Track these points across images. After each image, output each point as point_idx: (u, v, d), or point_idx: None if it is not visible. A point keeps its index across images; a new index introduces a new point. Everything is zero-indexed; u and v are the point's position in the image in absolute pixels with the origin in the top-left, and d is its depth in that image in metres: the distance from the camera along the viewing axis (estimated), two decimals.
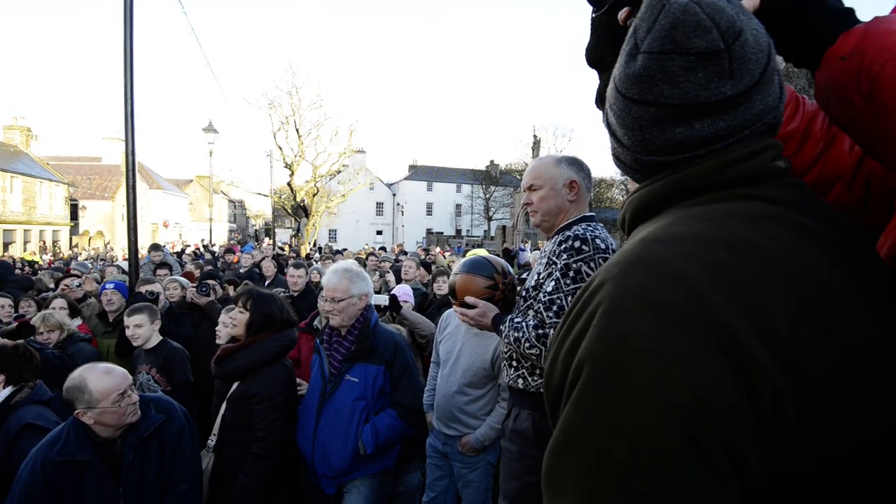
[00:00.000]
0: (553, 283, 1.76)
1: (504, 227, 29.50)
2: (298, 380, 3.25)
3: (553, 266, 1.80)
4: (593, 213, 1.95)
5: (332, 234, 46.18)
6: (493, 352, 2.63)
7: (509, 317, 1.88)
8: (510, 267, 2.15)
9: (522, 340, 1.74)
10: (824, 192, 0.87)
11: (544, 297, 1.77)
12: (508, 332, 1.81)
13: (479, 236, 41.34)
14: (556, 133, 46.23)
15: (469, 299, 1.95)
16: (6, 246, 26.65)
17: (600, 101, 1.14)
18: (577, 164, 1.92)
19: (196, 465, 2.26)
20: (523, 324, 1.78)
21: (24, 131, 32.27)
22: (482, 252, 6.62)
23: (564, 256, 1.75)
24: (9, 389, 2.29)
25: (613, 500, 0.50)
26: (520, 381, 1.86)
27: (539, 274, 1.86)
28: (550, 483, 0.57)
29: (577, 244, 1.74)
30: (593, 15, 0.96)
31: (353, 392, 2.40)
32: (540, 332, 1.72)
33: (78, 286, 4.77)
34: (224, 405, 2.46)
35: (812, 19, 0.76)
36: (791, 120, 0.93)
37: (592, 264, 1.72)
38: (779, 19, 0.76)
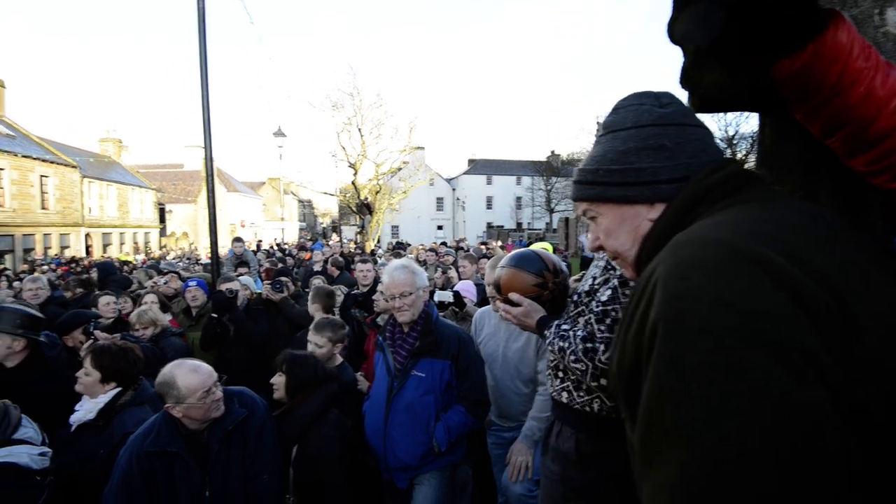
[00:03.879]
0: (609, 291, 1.58)
1: (567, 220, 28.76)
2: (360, 377, 3.33)
3: (611, 272, 1.61)
4: None
5: (395, 231, 47.07)
6: (536, 349, 2.59)
7: (556, 322, 1.71)
8: (564, 265, 1.92)
9: (568, 352, 1.59)
10: None
11: (597, 306, 1.59)
12: (554, 339, 1.65)
13: (540, 229, 40.61)
14: None
15: (514, 296, 1.80)
16: (104, 247, 29.41)
17: (685, 80, 1.07)
18: None
19: (277, 457, 2.32)
20: (571, 333, 1.62)
21: (116, 143, 35.51)
22: (546, 245, 6.46)
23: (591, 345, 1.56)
24: (116, 391, 2.44)
25: (719, 426, 0.53)
26: (563, 394, 1.69)
27: (595, 278, 1.67)
28: (651, 448, 0.60)
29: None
30: None
31: (421, 387, 2.42)
32: (588, 345, 1.55)
33: (165, 283, 5.15)
34: (291, 468, 2.45)
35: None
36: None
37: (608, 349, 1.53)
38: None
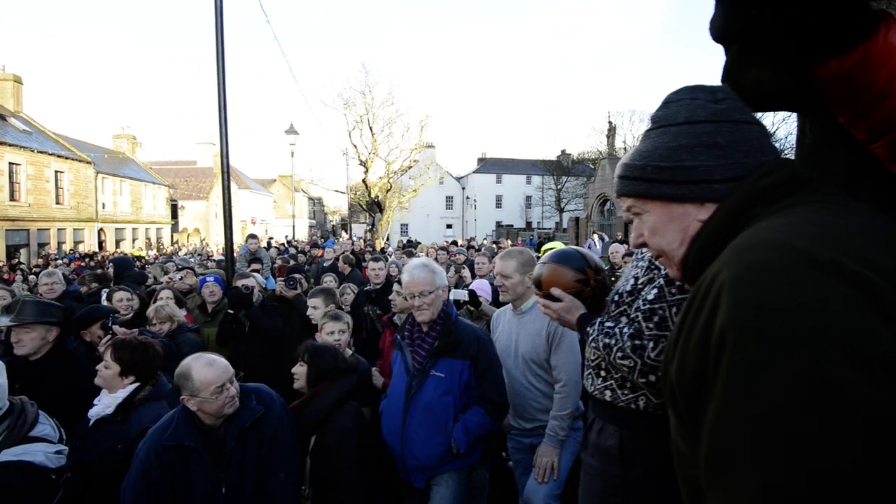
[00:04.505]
0: (655, 290, 1.57)
1: (577, 219, 28.65)
2: (375, 372, 3.35)
3: (656, 272, 1.60)
4: None
5: (404, 229, 47.14)
6: (547, 334, 2.58)
7: (599, 319, 1.70)
8: (602, 264, 1.94)
9: (614, 349, 1.58)
10: None
11: (644, 304, 1.58)
12: (598, 336, 1.65)
13: (550, 228, 40.50)
14: (632, 118, 43.72)
15: (555, 291, 1.79)
16: (117, 243, 29.75)
17: (727, 77, 1.05)
18: None
19: (293, 454, 2.32)
20: (616, 330, 1.61)
21: (130, 140, 35.90)
22: (558, 244, 6.42)
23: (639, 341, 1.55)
24: (134, 386, 2.45)
25: (813, 449, 0.51)
26: (607, 392, 1.68)
27: (637, 279, 1.66)
28: (725, 462, 0.58)
29: None
30: None
31: (440, 387, 2.40)
32: (637, 342, 1.54)
33: (180, 279, 5.18)
34: (308, 460, 2.47)
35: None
36: None
37: (660, 347, 1.50)
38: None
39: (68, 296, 4.96)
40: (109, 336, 3.22)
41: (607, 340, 1.60)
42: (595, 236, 18.74)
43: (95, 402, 2.43)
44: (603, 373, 1.70)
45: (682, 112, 0.90)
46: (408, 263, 2.68)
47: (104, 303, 4.37)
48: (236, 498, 2.11)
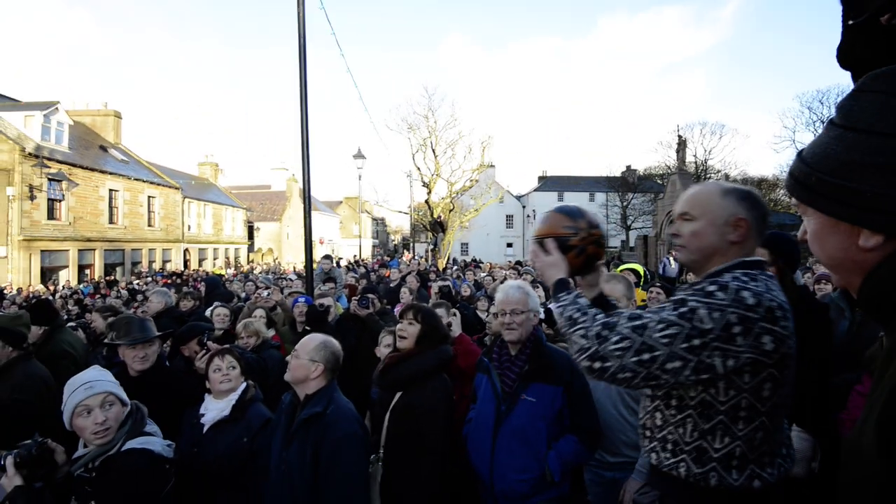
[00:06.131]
0: (659, 308, 1.41)
1: (646, 237, 27.52)
2: None
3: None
4: (761, 259, 1.49)
5: (464, 248, 47.33)
6: None
7: (577, 291, 1.57)
8: (603, 226, 1.77)
9: (579, 323, 1.43)
10: None
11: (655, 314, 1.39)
12: (567, 306, 1.49)
13: (616, 247, 39.14)
14: (703, 131, 41.81)
15: (549, 243, 1.66)
16: (200, 262, 31.94)
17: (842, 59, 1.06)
18: (749, 200, 1.48)
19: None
20: (591, 311, 1.46)
21: (213, 167, 38.84)
22: (637, 266, 6.18)
23: (688, 292, 1.39)
24: (243, 386, 2.67)
25: None
26: (652, 456, 1.53)
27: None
28: None
29: (710, 288, 1.34)
30: (850, 22, 0.94)
31: (533, 412, 2.33)
32: (604, 332, 1.37)
33: (268, 295, 5.45)
34: (388, 416, 2.54)
35: None
36: None
37: (717, 314, 1.28)
38: None
39: (168, 314, 5.32)
40: (205, 351, 3.44)
41: (575, 315, 1.47)
42: (666, 257, 17.70)
43: (202, 410, 2.60)
44: (648, 432, 1.56)
45: (867, 112, 0.76)
46: (503, 284, 2.70)
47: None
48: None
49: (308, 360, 2.38)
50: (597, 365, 1.39)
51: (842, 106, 0.81)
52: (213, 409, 2.58)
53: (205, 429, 2.53)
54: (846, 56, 0.98)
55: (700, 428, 1.39)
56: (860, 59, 0.97)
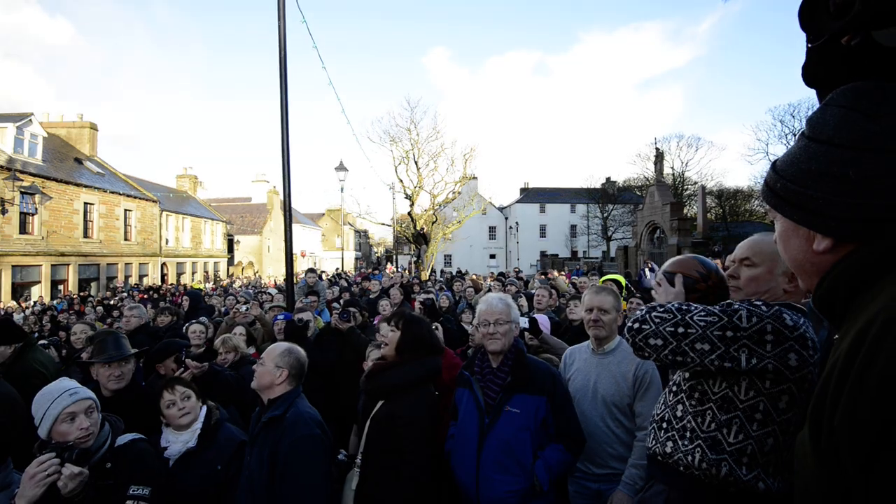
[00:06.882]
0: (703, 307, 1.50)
1: (626, 248, 27.90)
2: None
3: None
4: (804, 308, 1.59)
5: (447, 260, 47.35)
6: (634, 378, 2.51)
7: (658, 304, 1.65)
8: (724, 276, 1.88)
9: (640, 317, 1.55)
10: None
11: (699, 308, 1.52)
12: (645, 314, 1.56)
13: (597, 258, 39.58)
14: (680, 143, 42.66)
15: (678, 279, 1.77)
16: (178, 276, 31.33)
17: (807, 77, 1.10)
18: None
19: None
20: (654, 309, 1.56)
21: (192, 179, 38.26)
22: (619, 278, 6.24)
23: (737, 302, 1.48)
24: (203, 412, 2.53)
25: None
26: (668, 444, 1.59)
27: None
28: None
29: (757, 302, 1.47)
30: (809, 45, 1.00)
31: (516, 423, 2.33)
32: (659, 306, 1.53)
33: (246, 310, 5.37)
34: (368, 424, 2.49)
35: None
36: None
37: (755, 319, 1.39)
38: None
39: (143, 330, 5.20)
40: (182, 369, 3.36)
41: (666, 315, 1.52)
42: (647, 268, 17.74)
43: (163, 443, 2.46)
44: (665, 424, 1.65)
45: (829, 125, 0.82)
46: (486, 296, 2.69)
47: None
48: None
49: (273, 367, 2.41)
50: (636, 325, 1.53)
51: (810, 119, 0.89)
52: (177, 442, 2.44)
53: (170, 463, 2.39)
54: (810, 75, 1.05)
55: (718, 419, 1.48)
56: (821, 78, 1.03)
